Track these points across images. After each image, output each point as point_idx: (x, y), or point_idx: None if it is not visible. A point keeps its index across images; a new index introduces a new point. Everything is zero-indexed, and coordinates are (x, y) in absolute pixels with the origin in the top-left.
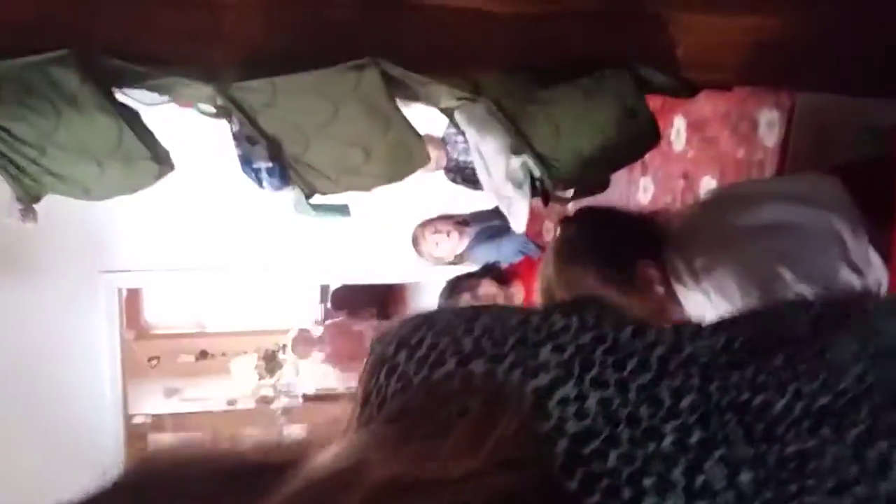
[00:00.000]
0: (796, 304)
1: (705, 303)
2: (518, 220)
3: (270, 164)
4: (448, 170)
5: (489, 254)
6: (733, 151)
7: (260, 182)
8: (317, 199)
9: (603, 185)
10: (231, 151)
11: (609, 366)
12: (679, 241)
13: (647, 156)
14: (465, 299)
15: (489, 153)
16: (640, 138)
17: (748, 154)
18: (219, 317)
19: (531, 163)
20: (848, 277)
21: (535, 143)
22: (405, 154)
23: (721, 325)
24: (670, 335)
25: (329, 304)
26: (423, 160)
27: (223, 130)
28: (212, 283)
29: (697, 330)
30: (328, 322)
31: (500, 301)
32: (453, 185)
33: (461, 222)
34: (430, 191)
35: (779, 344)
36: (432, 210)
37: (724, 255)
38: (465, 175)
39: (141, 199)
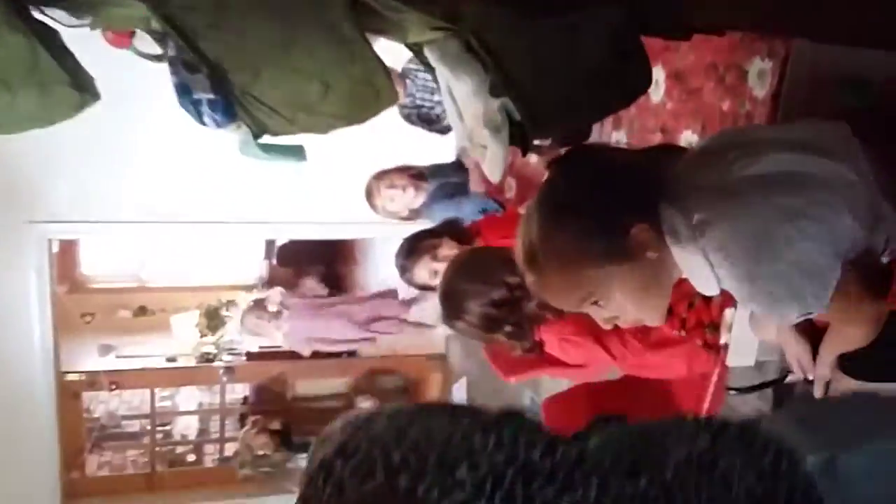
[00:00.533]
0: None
1: (703, 265)
2: (494, 169)
3: (213, 96)
4: (404, 106)
5: (447, 212)
6: (718, 103)
7: (200, 116)
8: (267, 138)
9: (584, 135)
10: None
11: (518, 483)
12: (675, 192)
13: None
14: (425, 262)
15: (463, 95)
16: (631, 82)
17: (734, 106)
18: (159, 271)
19: (511, 105)
20: (857, 234)
21: (517, 83)
22: (371, 93)
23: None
24: (576, 448)
25: (275, 261)
26: (391, 99)
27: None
28: (152, 235)
29: (604, 443)
30: (291, 301)
31: None
32: (411, 127)
33: (417, 175)
34: (386, 134)
35: (670, 456)
36: (388, 157)
37: (724, 209)
38: (421, 114)
39: (74, 144)
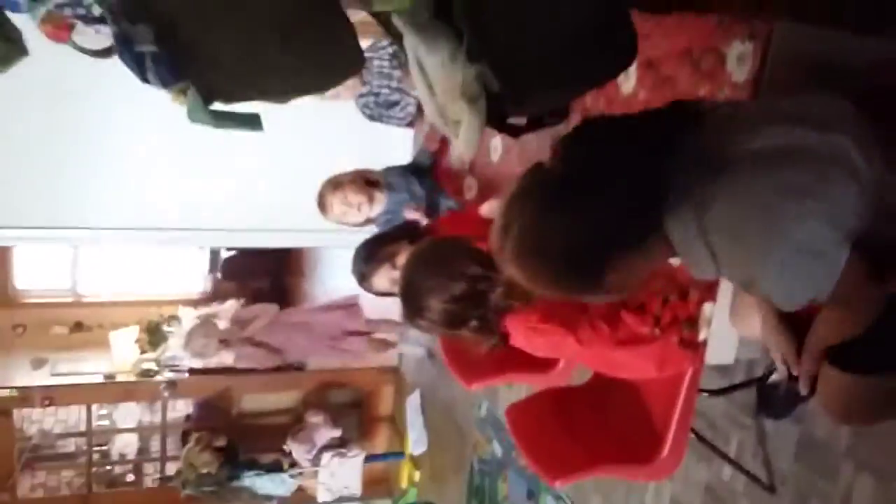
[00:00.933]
0: None
1: (702, 247)
2: (469, 143)
3: (157, 49)
4: (361, 95)
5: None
6: (693, 90)
7: (143, 73)
8: (220, 106)
9: (563, 114)
10: (114, 87)
11: None
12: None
13: (589, 98)
14: (385, 270)
15: (435, 65)
16: (618, 52)
17: (712, 91)
18: (97, 285)
19: (489, 74)
20: (862, 211)
21: (496, 46)
22: (335, 53)
23: None
24: None
25: (219, 274)
26: (356, 62)
27: (104, 64)
28: (88, 246)
29: None
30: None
31: None
32: (363, 126)
33: (373, 184)
34: (338, 134)
35: None
36: (340, 159)
37: (725, 188)
38: (379, 100)
39: (6, 147)
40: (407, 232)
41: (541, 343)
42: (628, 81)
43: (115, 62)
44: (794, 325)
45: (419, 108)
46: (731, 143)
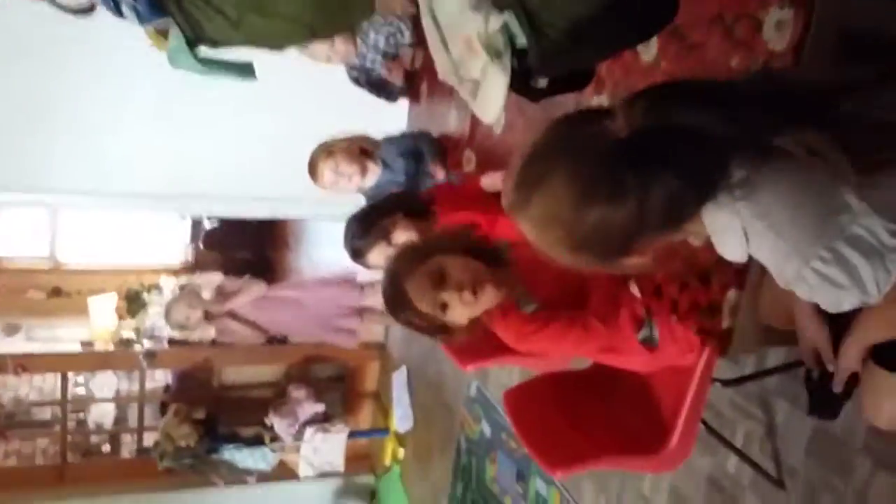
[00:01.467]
0: None
1: (737, 229)
2: (491, 105)
3: None
4: (353, 68)
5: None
6: (724, 59)
7: (117, 5)
8: (207, 51)
9: (587, 78)
10: (93, 46)
11: None
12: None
13: (605, 67)
14: (381, 248)
15: (451, 14)
16: (653, 13)
17: (745, 61)
18: (76, 252)
19: (515, 25)
20: None
21: None
22: None
23: None
24: None
25: (201, 244)
26: (364, 11)
27: (83, 21)
28: (69, 211)
29: None
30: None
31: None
32: (358, 91)
33: (367, 153)
34: (333, 94)
35: None
36: (334, 121)
37: (771, 168)
38: (370, 78)
39: None
40: (401, 202)
41: (535, 347)
42: (649, 50)
43: (95, 18)
44: (831, 317)
45: (403, 90)
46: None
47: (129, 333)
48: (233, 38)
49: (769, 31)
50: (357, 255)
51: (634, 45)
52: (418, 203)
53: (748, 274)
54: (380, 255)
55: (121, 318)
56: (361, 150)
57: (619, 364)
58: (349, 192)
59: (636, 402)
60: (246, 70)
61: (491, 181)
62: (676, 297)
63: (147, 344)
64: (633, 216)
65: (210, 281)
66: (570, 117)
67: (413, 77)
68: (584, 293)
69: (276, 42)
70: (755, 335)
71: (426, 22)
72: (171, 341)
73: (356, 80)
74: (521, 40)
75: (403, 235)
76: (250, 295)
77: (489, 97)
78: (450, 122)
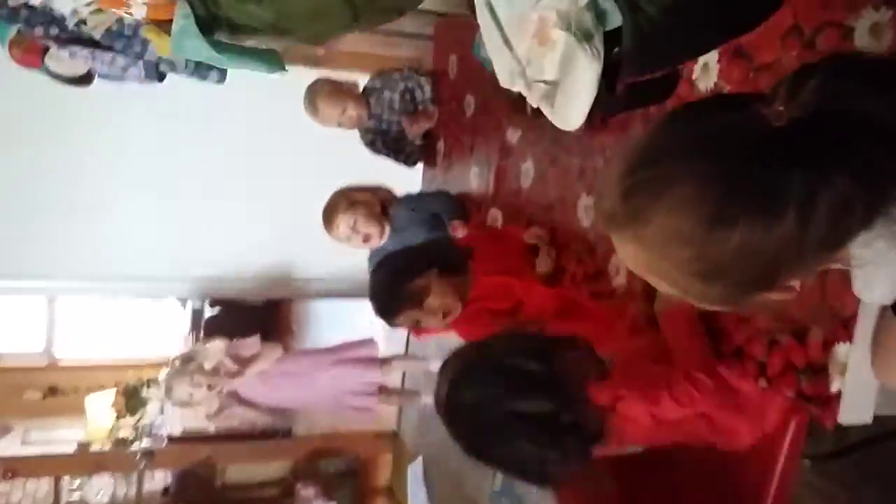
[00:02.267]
0: None
1: (889, 252)
2: (577, 107)
3: None
4: (367, 130)
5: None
6: None
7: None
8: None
9: (671, 86)
10: (88, 121)
11: None
12: None
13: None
14: (411, 314)
15: (518, 1)
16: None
17: None
18: (72, 348)
19: (608, 1)
20: None
21: None
22: None
23: None
24: None
25: (202, 334)
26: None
27: (76, 98)
28: (65, 303)
29: None
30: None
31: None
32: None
33: (386, 211)
34: (342, 162)
35: None
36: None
37: None
38: (386, 139)
39: None
40: (437, 257)
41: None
42: (707, 75)
43: (89, 93)
44: None
45: (422, 150)
46: None
47: (126, 432)
48: (257, 17)
49: (862, 38)
50: (386, 316)
51: (736, 36)
52: (454, 255)
53: (856, 325)
54: (408, 321)
55: (119, 415)
56: (382, 206)
57: (724, 427)
58: (360, 249)
59: (705, 484)
60: (270, 58)
61: (535, 234)
62: (764, 358)
63: (146, 442)
64: (792, 234)
65: (213, 350)
66: (700, 105)
67: (428, 137)
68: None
69: (310, 25)
70: (869, 398)
71: (483, 20)
72: (172, 439)
73: (371, 144)
74: (613, 19)
75: (437, 300)
76: (270, 358)
77: (575, 92)
78: (470, 182)
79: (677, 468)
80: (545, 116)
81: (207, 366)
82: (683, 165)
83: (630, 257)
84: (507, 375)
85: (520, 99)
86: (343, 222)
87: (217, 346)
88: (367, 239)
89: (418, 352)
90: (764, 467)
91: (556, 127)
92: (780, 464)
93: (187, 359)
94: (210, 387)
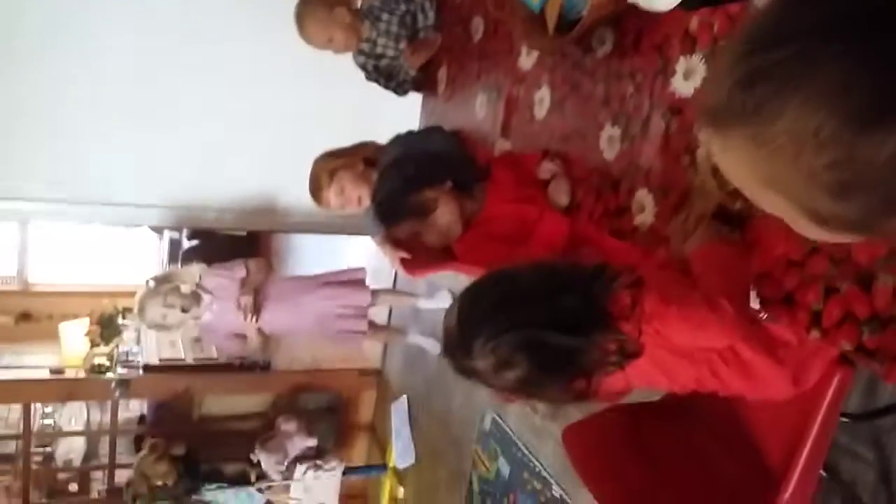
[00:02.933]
0: None
1: None
2: None
3: None
4: (360, 52)
5: None
6: None
7: None
8: None
9: None
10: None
11: None
12: None
13: (697, 21)
14: (413, 224)
15: None
16: None
17: None
18: (46, 272)
19: None
20: None
21: None
22: None
23: None
24: None
25: (179, 264)
26: None
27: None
28: (40, 225)
29: None
30: (216, 282)
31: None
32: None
33: (373, 165)
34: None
35: None
36: (334, 120)
37: None
38: (378, 65)
39: None
40: (450, 170)
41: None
42: None
43: (63, 5)
44: None
45: (416, 81)
46: None
47: (101, 360)
48: None
49: None
50: (388, 220)
51: None
52: (470, 172)
53: None
54: (409, 229)
55: (94, 343)
56: (366, 162)
57: (748, 377)
58: (352, 212)
59: (728, 440)
60: None
61: (550, 168)
62: (818, 305)
63: (121, 371)
64: None
65: (191, 272)
66: None
67: (427, 67)
68: None
69: None
70: None
71: None
72: (148, 368)
73: (363, 67)
74: None
75: (444, 217)
76: (259, 275)
77: None
78: (476, 112)
79: (697, 422)
80: (567, 37)
81: (184, 289)
82: (827, 45)
83: (738, 165)
84: (538, 309)
85: (539, 18)
86: (331, 194)
87: (195, 269)
88: (360, 202)
89: (406, 289)
90: (800, 424)
91: (578, 49)
92: (818, 421)
93: (162, 279)
94: (184, 309)
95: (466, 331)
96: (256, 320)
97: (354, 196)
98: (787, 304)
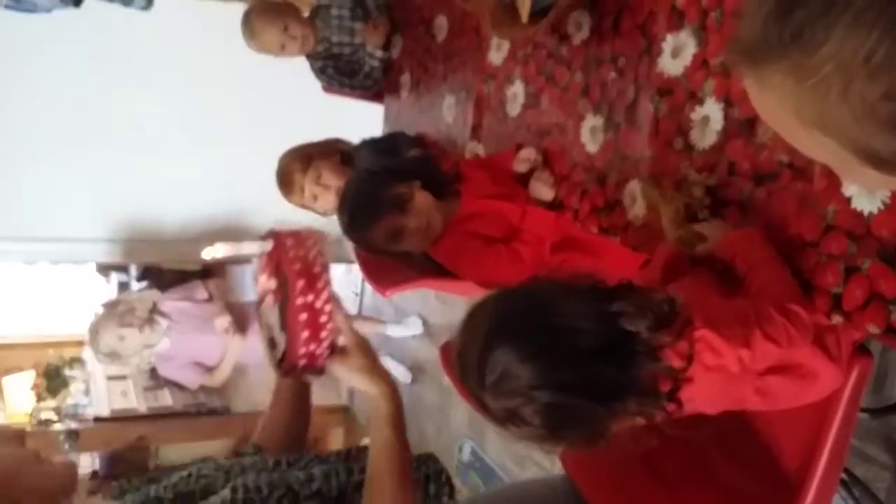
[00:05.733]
0: None
1: None
2: None
3: None
4: (317, 56)
5: None
6: None
7: None
8: None
9: None
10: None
11: None
12: None
13: None
14: (387, 220)
15: None
16: None
17: None
18: None
19: None
20: None
21: None
22: None
23: None
24: None
25: None
26: None
27: None
28: None
29: None
30: (176, 305)
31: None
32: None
33: (348, 160)
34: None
35: None
36: (293, 136)
37: None
38: (339, 64)
39: None
40: (418, 172)
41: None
42: None
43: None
44: None
45: (386, 69)
46: None
47: (48, 414)
48: None
49: None
50: (367, 220)
51: None
52: (440, 175)
53: None
54: (391, 227)
55: (40, 397)
56: (342, 155)
57: (808, 384)
58: (326, 210)
59: (738, 448)
60: None
61: (527, 156)
62: (838, 288)
63: (70, 424)
64: None
65: (144, 296)
66: None
67: (389, 60)
68: None
69: None
70: None
71: None
72: (98, 419)
73: (321, 72)
74: None
75: (423, 206)
76: (222, 297)
77: None
78: (443, 115)
79: (704, 432)
80: (541, 23)
81: (140, 312)
82: None
83: (779, 106)
84: (572, 371)
85: (510, 6)
86: (308, 179)
87: (147, 294)
88: (339, 192)
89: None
90: (817, 423)
91: (554, 37)
92: (838, 419)
93: (114, 303)
94: (141, 328)
95: (484, 359)
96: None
97: (332, 184)
98: (805, 290)
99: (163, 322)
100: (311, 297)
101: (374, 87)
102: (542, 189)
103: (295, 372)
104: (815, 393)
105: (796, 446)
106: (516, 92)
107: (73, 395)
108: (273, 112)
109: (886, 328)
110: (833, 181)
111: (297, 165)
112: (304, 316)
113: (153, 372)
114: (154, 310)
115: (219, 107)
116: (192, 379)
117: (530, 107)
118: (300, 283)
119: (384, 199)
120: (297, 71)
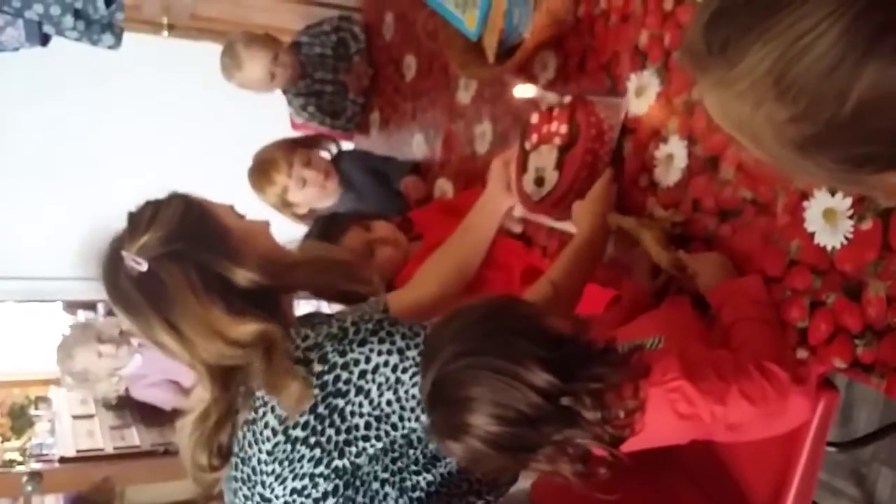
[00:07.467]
0: None
1: None
2: None
3: None
4: (298, 94)
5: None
6: None
7: None
8: None
9: None
10: None
11: None
12: None
13: None
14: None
15: None
16: None
17: None
18: None
19: None
20: None
21: None
22: None
23: None
24: None
25: None
26: None
27: None
28: None
29: None
30: None
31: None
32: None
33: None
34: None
35: None
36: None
37: None
38: (321, 102)
39: None
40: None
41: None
42: None
43: None
44: None
45: (365, 109)
46: None
47: (13, 455)
48: None
49: None
50: (333, 226)
51: None
52: (401, 224)
53: None
54: (356, 241)
55: (4, 438)
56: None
57: (778, 419)
58: (309, 203)
59: (707, 482)
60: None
61: (505, 157)
62: (803, 323)
63: (35, 466)
64: None
65: (109, 323)
66: None
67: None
68: None
69: None
70: None
71: None
72: (63, 459)
73: (303, 109)
74: None
75: (386, 228)
76: None
77: None
78: (413, 153)
79: (671, 465)
80: (508, 64)
81: (113, 331)
82: None
83: (711, 108)
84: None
85: (477, 46)
86: (297, 161)
87: (113, 318)
88: (328, 175)
89: None
90: (785, 458)
91: (521, 77)
92: (804, 454)
93: (84, 325)
94: (118, 346)
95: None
96: None
97: (322, 166)
98: None
99: (133, 342)
100: (597, 146)
101: (353, 129)
102: (510, 222)
103: (565, 201)
104: (784, 424)
105: (765, 481)
106: (484, 130)
107: (39, 434)
108: (244, 148)
109: (852, 362)
110: (796, 217)
111: (281, 152)
112: (588, 158)
113: (120, 409)
114: (124, 332)
115: (189, 144)
116: (165, 399)
117: (498, 145)
118: (593, 132)
119: (348, 216)
120: (267, 104)
